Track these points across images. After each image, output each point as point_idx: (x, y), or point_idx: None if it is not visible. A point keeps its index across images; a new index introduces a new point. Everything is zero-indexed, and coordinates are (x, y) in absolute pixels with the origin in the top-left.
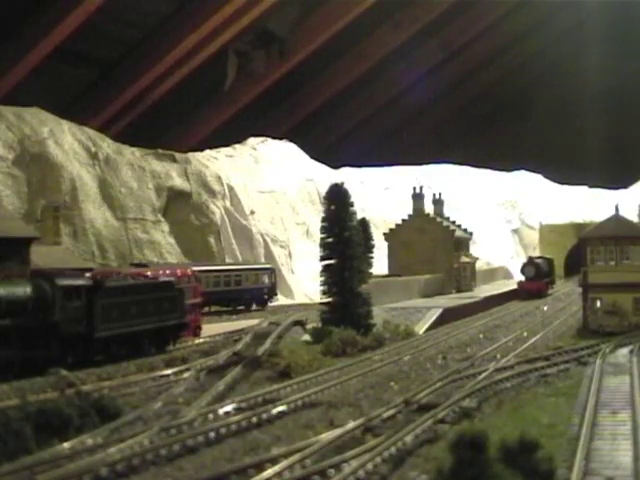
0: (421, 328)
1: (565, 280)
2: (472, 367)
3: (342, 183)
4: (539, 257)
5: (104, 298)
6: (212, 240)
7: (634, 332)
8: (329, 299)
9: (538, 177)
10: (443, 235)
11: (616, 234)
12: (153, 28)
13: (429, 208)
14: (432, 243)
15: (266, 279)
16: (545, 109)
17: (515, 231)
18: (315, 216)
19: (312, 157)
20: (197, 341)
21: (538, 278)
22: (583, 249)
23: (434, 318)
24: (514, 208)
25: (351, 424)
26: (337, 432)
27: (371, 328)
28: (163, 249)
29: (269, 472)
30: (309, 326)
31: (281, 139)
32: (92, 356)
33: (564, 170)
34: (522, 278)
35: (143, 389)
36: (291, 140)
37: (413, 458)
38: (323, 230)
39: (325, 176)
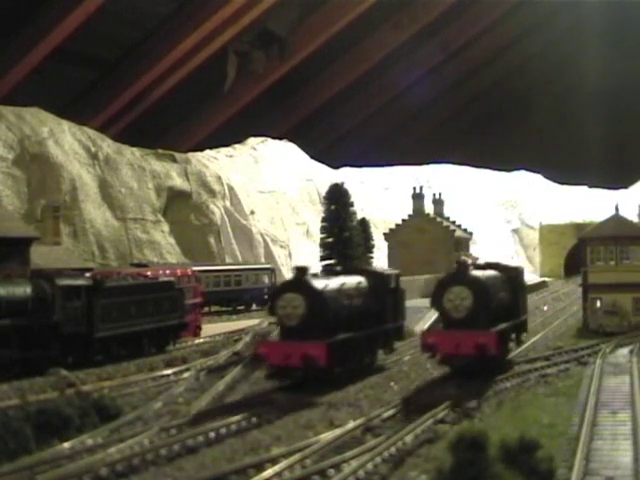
0: (421, 328)
1: (565, 281)
2: None
3: (342, 183)
4: (484, 264)
5: (104, 298)
6: (212, 240)
7: (634, 332)
8: None
9: (538, 177)
10: (443, 235)
11: (616, 234)
12: (153, 28)
13: (429, 208)
14: (432, 243)
15: (266, 279)
16: (545, 109)
17: (515, 231)
18: (315, 216)
19: (312, 157)
20: (197, 341)
21: (478, 320)
22: (583, 249)
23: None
24: (514, 208)
25: (351, 424)
26: (337, 432)
27: None
28: (163, 249)
29: (269, 472)
30: None
31: (281, 139)
32: (92, 356)
33: (564, 170)
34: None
35: (143, 389)
36: (291, 140)
37: (413, 458)
38: (323, 230)
39: (325, 176)
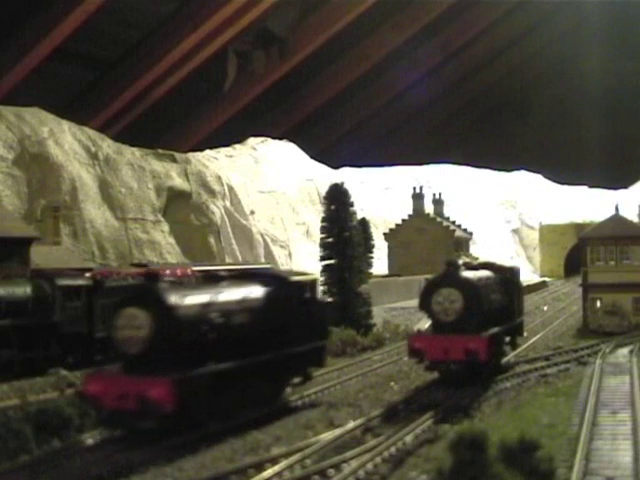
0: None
1: (565, 281)
2: None
3: (342, 183)
4: (477, 264)
5: (104, 298)
6: (212, 240)
7: (634, 332)
8: (329, 299)
9: (538, 177)
10: (443, 235)
11: (616, 234)
12: (153, 28)
13: (429, 208)
14: (432, 243)
15: None
16: (545, 109)
17: (515, 231)
18: (315, 216)
19: (312, 157)
20: None
21: (468, 324)
22: (583, 249)
23: None
24: (514, 208)
25: (351, 424)
26: (337, 432)
27: (371, 328)
28: (163, 249)
29: (269, 472)
30: None
31: (281, 139)
32: (92, 356)
33: (564, 170)
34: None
35: None
36: (291, 140)
37: (413, 458)
38: (323, 230)
39: (325, 176)
